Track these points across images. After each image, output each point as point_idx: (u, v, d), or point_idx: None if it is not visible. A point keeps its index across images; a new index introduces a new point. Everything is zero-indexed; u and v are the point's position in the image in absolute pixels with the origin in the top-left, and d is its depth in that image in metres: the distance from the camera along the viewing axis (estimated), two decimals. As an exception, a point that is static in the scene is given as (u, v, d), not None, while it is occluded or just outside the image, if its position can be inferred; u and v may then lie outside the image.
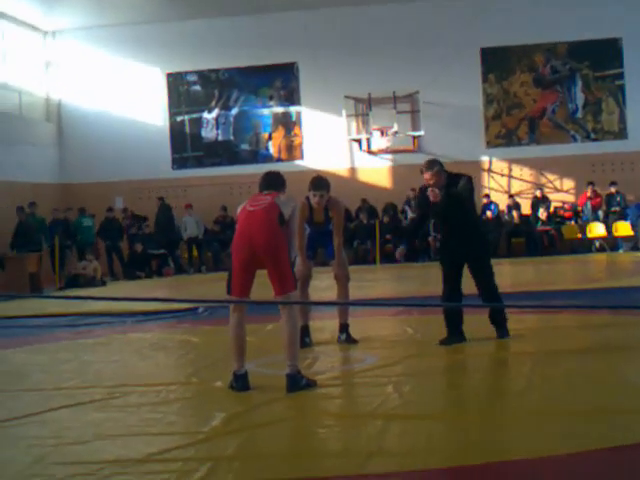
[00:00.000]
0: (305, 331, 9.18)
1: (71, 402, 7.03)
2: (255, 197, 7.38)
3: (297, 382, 7.06)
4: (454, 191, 8.99)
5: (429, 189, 9.01)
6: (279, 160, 25.86)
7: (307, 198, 9.14)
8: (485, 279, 9.10)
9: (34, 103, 26.09)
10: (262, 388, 7.25)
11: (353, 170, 25.72)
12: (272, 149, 26.31)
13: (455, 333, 9.09)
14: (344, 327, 9.53)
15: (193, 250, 24.92)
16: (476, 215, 9.36)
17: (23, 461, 5.35)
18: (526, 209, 24.73)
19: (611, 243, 23.98)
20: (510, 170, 25.50)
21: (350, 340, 9.43)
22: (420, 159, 25.00)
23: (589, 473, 4.68)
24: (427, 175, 9.07)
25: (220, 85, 26.46)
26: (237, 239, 7.23)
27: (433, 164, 9.17)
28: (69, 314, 14.03)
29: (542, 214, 23.96)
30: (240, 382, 7.18)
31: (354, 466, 4.92)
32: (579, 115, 25.33)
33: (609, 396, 6.40)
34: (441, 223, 9.37)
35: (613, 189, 24.19)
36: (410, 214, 24.26)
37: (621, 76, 25.10)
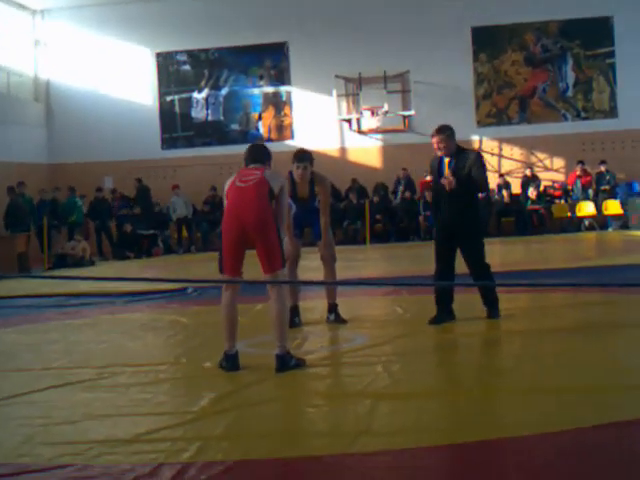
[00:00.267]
0: (295, 311, 9.14)
1: (59, 382, 7.01)
2: (243, 172, 7.25)
3: (286, 362, 7.02)
4: (466, 172, 8.92)
5: (443, 178, 8.93)
6: (269, 140, 25.80)
7: (290, 172, 9.03)
8: (476, 258, 9.04)
9: (22, 82, 25.96)
10: (251, 368, 7.23)
11: (343, 150, 25.68)
12: (262, 129, 26.25)
13: (445, 311, 9.08)
14: (333, 307, 9.48)
15: (183, 230, 24.86)
16: (477, 194, 9.35)
17: (11, 441, 5.33)
18: (516, 188, 24.75)
19: (600, 222, 24.03)
20: (500, 149, 25.50)
21: (339, 320, 9.39)
22: (411, 139, 25.30)
23: (579, 450, 4.67)
24: (435, 139, 9.01)
25: (210, 65, 26.37)
26: (227, 216, 7.13)
27: (444, 129, 9.07)
28: (57, 294, 13.98)
29: (532, 193, 23.96)
30: (230, 362, 7.16)
31: (343, 445, 4.91)
32: (570, 94, 25.31)
33: (599, 374, 6.40)
34: (442, 200, 9.16)
35: (603, 168, 24.20)
36: (401, 193, 24.26)
37: (612, 54, 25.08)
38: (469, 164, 8.96)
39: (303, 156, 9.02)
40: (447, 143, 8.98)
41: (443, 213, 9.09)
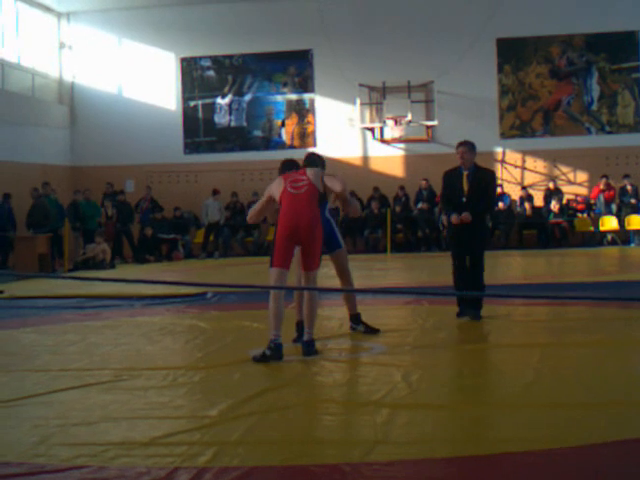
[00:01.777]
0: (301, 325, 8.77)
1: (77, 384, 7.02)
2: (292, 178, 8.18)
3: (312, 348, 7.97)
4: (482, 188, 9.79)
5: (456, 216, 9.77)
6: (291, 147, 25.81)
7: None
8: (478, 271, 9.95)
9: (47, 85, 26.07)
10: (269, 374, 7.23)
11: (366, 159, 25.64)
12: (285, 136, 26.25)
13: (466, 306, 10.02)
14: (357, 317, 9.34)
15: (211, 235, 24.78)
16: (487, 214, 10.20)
17: (28, 441, 5.34)
18: (539, 201, 24.64)
19: (623, 237, 23.88)
20: (524, 161, 25.41)
21: (370, 330, 9.22)
22: (433, 149, 25.28)
23: (597, 465, 4.63)
24: (462, 149, 9.85)
25: (234, 71, 26.40)
26: (283, 219, 7.99)
27: (469, 142, 9.97)
28: (77, 296, 14.02)
29: (554, 206, 23.85)
30: (275, 351, 7.69)
31: (360, 454, 4.89)
32: (594, 107, 25.19)
33: (618, 389, 6.37)
34: (456, 211, 9.89)
35: (626, 182, 24.07)
36: (421, 204, 24.20)
37: (637, 69, 24.95)
38: (486, 182, 9.86)
39: (312, 160, 8.89)
40: (470, 156, 9.83)
41: (457, 226, 9.85)
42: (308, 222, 7.95)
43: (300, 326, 8.67)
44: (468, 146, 9.86)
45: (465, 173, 9.83)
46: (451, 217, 9.84)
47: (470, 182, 9.77)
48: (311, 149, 25.07)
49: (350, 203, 8.75)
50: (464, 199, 9.82)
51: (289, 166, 8.58)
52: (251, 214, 8.62)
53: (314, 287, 8.26)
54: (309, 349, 8.00)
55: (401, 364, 7.46)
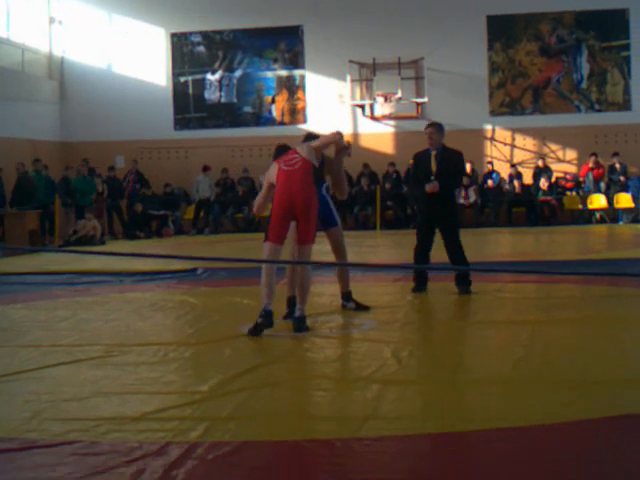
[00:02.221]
0: (292, 301, 8.74)
1: (68, 359, 7.04)
2: (285, 158, 8.24)
3: (303, 324, 8.04)
4: (451, 168, 10.24)
5: (428, 185, 10.16)
6: (282, 124, 25.78)
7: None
8: (454, 242, 10.26)
9: (37, 60, 25.94)
10: (260, 350, 7.26)
11: (356, 135, 25.61)
12: (275, 112, 26.20)
13: (422, 283, 10.47)
14: (349, 295, 9.33)
15: (200, 212, 24.74)
16: (455, 189, 11.22)
17: (19, 416, 5.35)
18: (528, 179, 24.68)
19: (611, 215, 23.97)
20: (513, 139, 25.43)
21: (361, 307, 9.24)
22: (423, 126, 25.02)
23: (586, 442, 4.68)
24: (430, 130, 10.36)
25: (224, 46, 26.31)
26: (279, 195, 8.08)
27: (437, 124, 10.65)
28: (67, 272, 14.02)
29: (543, 184, 23.89)
30: (266, 317, 7.78)
31: (350, 429, 4.92)
32: (584, 85, 25.21)
33: (607, 366, 6.40)
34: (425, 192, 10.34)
35: (615, 160, 24.12)
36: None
37: (627, 47, 24.96)
38: (454, 161, 10.32)
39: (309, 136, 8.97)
40: (438, 137, 10.33)
41: (427, 202, 10.28)
42: (303, 197, 8.03)
43: (291, 302, 8.67)
44: (436, 127, 10.40)
45: (433, 153, 10.31)
46: (426, 186, 10.16)
47: (438, 162, 10.21)
48: (301, 126, 25.08)
49: (341, 179, 8.91)
50: (432, 178, 10.23)
51: (282, 150, 8.56)
52: (257, 205, 8.62)
53: (307, 261, 8.31)
54: (300, 325, 8.03)
55: (391, 340, 7.49)
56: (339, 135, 8.43)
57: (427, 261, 10.45)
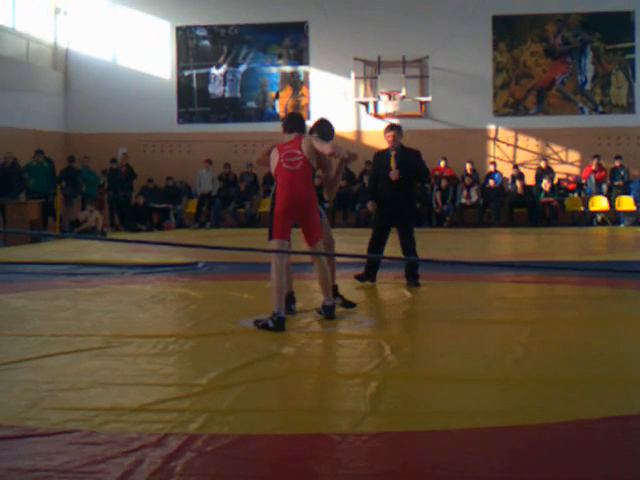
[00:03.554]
0: (290, 298, 8.72)
1: (68, 349, 7.05)
2: (286, 152, 8.17)
3: (332, 311, 8.33)
4: (409, 166, 10.94)
5: (392, 172, 10.83)
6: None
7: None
8: (410, 236, 11.00)
9: (41, 50, 25.92)
10: (260, 345, 7.27)
11: (359, 133, 25.61)
12: (279, 108, 26.18)
13: (371, 274, 11.09)
14: (334, 290, 9.00)
15: (203, 206, 24.72)
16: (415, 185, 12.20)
17: (18, 405, 5.36)
18: (530, 180, 24.68)
19: (613, 217, 23.96)
20: (516, 140, 25.41)
21: (347, 304, 9.05)
22: (427, 125, 25.28)
23: (585, 441, 4.69)
24: (392, 133, 10.96)
25: (229, 41, 26.29)
26: (282, 196, 8.06)
27: (397, 126, 11.48)
28: (68, 262, 14.03)
29: (545, 185, 23.88)
30: (280, 324, 7.78)
31: (349, 424, 4.93)
32: (588, 87, 25.19)
33: (607, 366, 6.42)
34: (385, 187, 10.98)
35: (618, 163, 24.11)
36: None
37: (632, 50, 24.93)
38: (411, 159, 11.01)
39: (321, 130, 8.82)
40: (398, 139, 10.98)
41: (388, 200, 10.92)
42: (304, 198, 8.06)
43: (288, 298, 8.65)
44: (397, 130, 11.08)
45: (393, 153, 10.93)
46: (390, 173, 10.80)
47: (397, 161, 10.86)
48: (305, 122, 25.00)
49: (335, 182, 8.82)
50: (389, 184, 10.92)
51: (295, 125, 8.46)
52: (257, 157, 8.80)
53: (310, 252, 8.32)
54: (331, 313, 8.32)
55: (391, 337, 7.52)
56: (348, 155, 8.12)
57: (379, 261, 11.21)
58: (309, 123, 9.20)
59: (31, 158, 21.68)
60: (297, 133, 8.37)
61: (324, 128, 8.81)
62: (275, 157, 8.22)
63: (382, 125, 25.38)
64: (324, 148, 8.12)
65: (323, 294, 8.37)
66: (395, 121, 25.09)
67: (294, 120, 8.60)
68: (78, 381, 5.98)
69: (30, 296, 10.51)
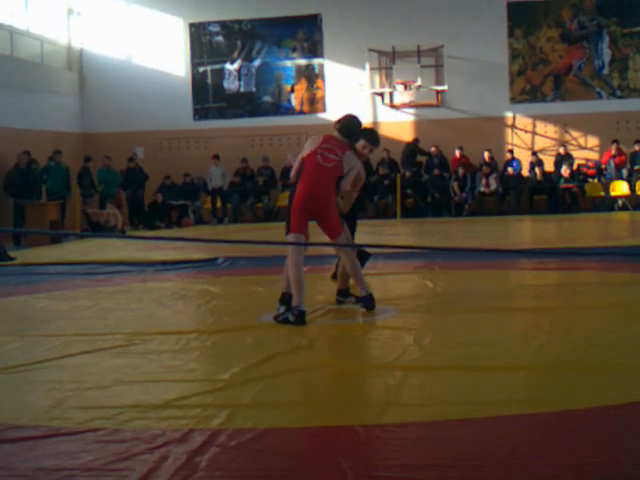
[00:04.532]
0: (286, 297, 8.18)
1: (90, 348, 7.05)
2: (328, 145, 8.01)
3: (372, 300, 8.22)
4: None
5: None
6: (301, 113, 25.76)
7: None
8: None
9: (56, 51, 26.00)
10: (281, 338, 7.26)
11: (375, 124, 25.47)
12: (294, 101, 26.17)
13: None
14: (346, 292, 8.87)
15: (217, 201, 24.77)
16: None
17: (43, 404, 5.38)
18: (549, 166, 24.57)
19: (634, 202, 23.82)
20: (534, 126, 25.30)
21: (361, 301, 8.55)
22: (443, 114, 25.23)
23: (610, 427, 4.65)
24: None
25: (243, 36, 26.28)
26: (303, 186, 7.93)
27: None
28: (89, 262, 14.07)
29: (565, 171, 23.77)
30: (300, 317, 7.68)
31: (372, 416, 4.92)
32: (605, 72, 25.04)
33: (630, 351, 6.38)
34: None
35: (637, 147, 23.97)
36: (436, 170, 24.17)
37: (649, 33, 24.78)
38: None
39: (352, 133, 8.38)
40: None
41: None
42: (325, 194, 7.93)
43: (285, 298, 8.20)
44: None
45: None
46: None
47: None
48: (321, 115, 25.07)
49: (348, 201, 8.45)
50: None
51: (352, 132, 8.22)
52: (292, 174, 8.30)
53: (327, 243, 8.32)
54: (370, 303, 8.22)
55: (412, 327, 7.49)
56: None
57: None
58: (324, 116, 8.93)
59: (48, 159, 21.74)
60: (349, 141, 8.22)
61: (355, 133, 8.31)
62: (314, 144, 8.08)
63: (399, 115, 25.49)
64: (347, 178, 8.09)
65: (358, 284, 8.27)
66: (411, 110, 25.12)
67: (353, 128, 8.28)
68: (101, 379, 5.99)
69: (52, 296, 10.55)
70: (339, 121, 8.37)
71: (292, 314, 7.74)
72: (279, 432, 4.75)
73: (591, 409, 4.93)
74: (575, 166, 24.26)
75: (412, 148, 24.90)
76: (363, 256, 9.15)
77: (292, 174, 8.28)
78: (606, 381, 5.54)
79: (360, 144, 8.37)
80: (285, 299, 8.13)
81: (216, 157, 24.57)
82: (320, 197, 7.93)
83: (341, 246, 8.18)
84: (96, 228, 21.44)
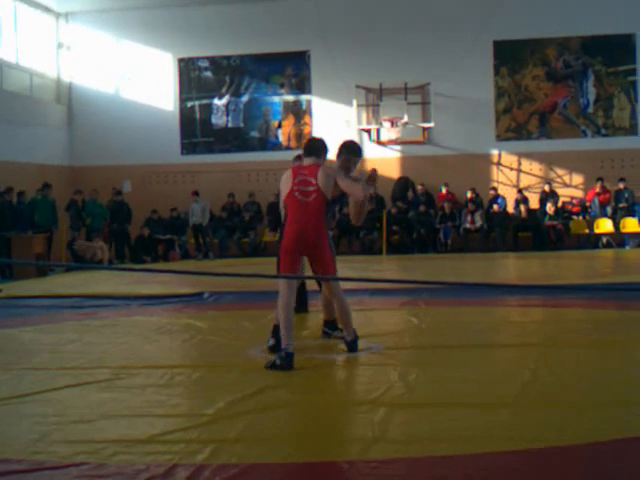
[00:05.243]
0: (277, 330, 8.17)
1: (75, 382, 7.04)
2: (300, 178, 7.71)
3: (356, 345, 8.09)
4: None
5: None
6: (288, 148, 25.84)
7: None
8: None
9: (45, 84, 26.09)
10: (266, 373, 7.26)
11: (362, 160, 25.60)
12: (281, 137, 26.28)
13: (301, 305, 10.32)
14: (333, 323, 8.90)
15: (198, 237, 24.77)
16: None
17: (27, 438, 5.36)
18: (534, 203, 24.69)
19: (618, 239, 23.94)
20: (519, 164, 25.44)
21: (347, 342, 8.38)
22: (430, 151, 25.35)
23: (595, 464, 4.67)
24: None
25: (231, 71, 26.43)
26: (289, 228, 7.69)
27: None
28: (75, 295, 14.04)
29: (550, 209, 23.90)
30: (288, 360, 7.36)
31: (358, 452, 4.92)
32: (590, 110, 25.25)
33: (615, 389, 6.40)
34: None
35: (622, 185, 24.14)
36: (422, 206, 24.25)
37: (634, 72, 25.01)
38: None
39: (316, 149, 8.18)
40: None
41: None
42: (314, 234, 7.63)
43: (276, 330, 8.22)
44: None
45: None
46: None
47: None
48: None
49: (363, 212, 8.04)
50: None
51: (314, 148, 8.01)
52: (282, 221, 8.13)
53: (319, 277, 8.28)
54: (353, 347, 8.10)
55: (398, 364, 7.49)
56: (374, 188, 7.83)
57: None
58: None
59: (36, 192, 21.74)
60: (315, 158, 7.95)
61: (318, 148, 8.09)
62: (288, 183, 7.75)
63: (386, 152, 25.61)
64: (355, 191, 7.63)
65: (344, 329, 8.13)
66: (398, 147, 25.25)
67: (313, 144, 8.13)
68: (86, 414, 5.98)
69: (38, 329, 10.52)
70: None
71: (279, 357, 7.41)
72: (264, 467, 4.74)
73: (577, 446, 4.94)
74: (560, 203, 24.40)
75: (404, 182, 25.04)
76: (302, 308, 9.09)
77: (282, 220, 8.08)
78: (591, 419, 5.56)
79: (342, 159, 8.25)
80: (276, 331, 8.09)
81: (195, 193, 24.57)
82: (309, 235, 7.62)
83: (324, 279, 8.14)
84: (82, 263, 21.39)
